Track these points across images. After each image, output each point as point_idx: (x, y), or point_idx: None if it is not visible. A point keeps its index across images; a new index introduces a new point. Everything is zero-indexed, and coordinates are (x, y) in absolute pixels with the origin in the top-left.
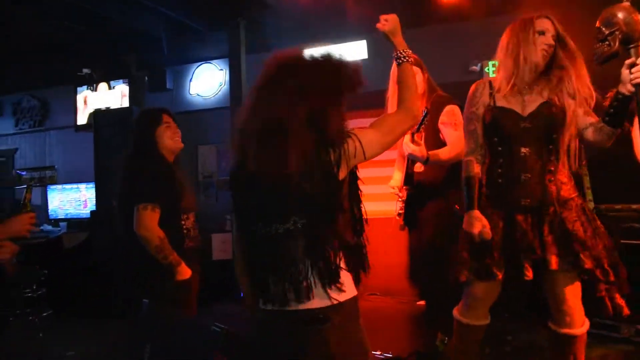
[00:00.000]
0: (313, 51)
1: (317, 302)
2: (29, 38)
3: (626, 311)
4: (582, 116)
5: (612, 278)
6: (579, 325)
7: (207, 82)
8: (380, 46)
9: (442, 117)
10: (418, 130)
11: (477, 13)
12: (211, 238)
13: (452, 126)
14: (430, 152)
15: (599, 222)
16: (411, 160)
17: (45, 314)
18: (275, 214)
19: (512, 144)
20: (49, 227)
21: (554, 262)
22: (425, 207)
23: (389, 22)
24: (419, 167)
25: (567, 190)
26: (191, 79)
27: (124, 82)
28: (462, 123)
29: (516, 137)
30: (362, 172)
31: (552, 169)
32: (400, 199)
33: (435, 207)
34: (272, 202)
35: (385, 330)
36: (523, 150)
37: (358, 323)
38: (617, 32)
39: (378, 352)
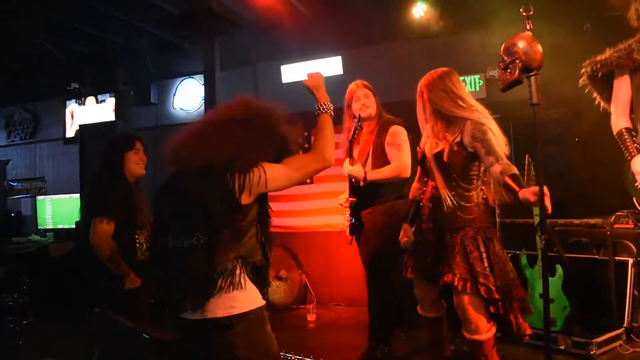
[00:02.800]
0: (265, 108)
1: (222, 311)
2: (21, 53)
3: (528, 331)
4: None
5: (496, 296)
6: (484, 331)
7: (190, 96)
8: (354, 62)
9: (388, 137)
10: (353, 137)
11: (447, 30)
12: None
13: (395, 146)
14: (368, 172)
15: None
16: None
17: (26, 322)
18: (182, 228)
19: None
20: (37, 238)
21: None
22: (368, 220)
23: (313, 78)
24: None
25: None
26: (175, 93)
27: (110, 96)
28: (406, 143)
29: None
30: (322, 187)
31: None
32: (347, 213)
33: (375, 221)
34: (181, 217)
35: (336, 339)
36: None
37: (265, 330)
38: (517, 61)
39: None
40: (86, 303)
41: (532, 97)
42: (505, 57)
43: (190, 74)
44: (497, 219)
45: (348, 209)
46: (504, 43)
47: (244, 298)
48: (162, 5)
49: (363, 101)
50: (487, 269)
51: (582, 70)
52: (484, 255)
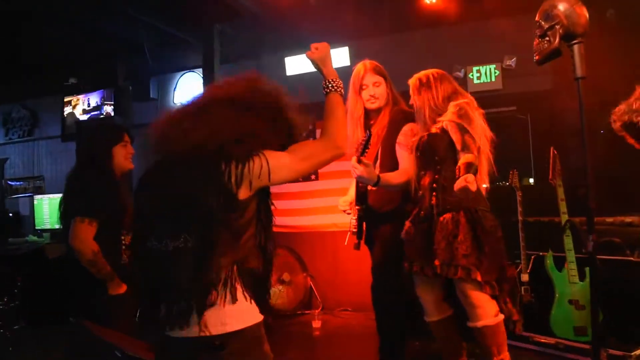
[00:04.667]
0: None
1: (213, 328)
2: (19, 49)
3: (515, 317)
4: None
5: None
6: (490, 314)
7: (191, 91)
8: (362, 53)
9: (399, 137)
10: (362, 154)
11: (460, 17)
12: None
13: (407, 148)
14: (381, 175)
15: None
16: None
17: (17, 327)
18: (166, 228)
19: None
20: (34, 238)
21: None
22: (377, 228)
23: (319, 50)
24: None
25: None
26: (175, 88)
27: (109, 92)
28: None
29: None
30: (328, 183)
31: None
32: (353, 217)
33: (385, 229)
34: (164, 215)
35: (344, 349)
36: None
37: (262, 350)
38: (557, 27)
39: None
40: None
41: (576, 69)
42: (543, 23)
43: (190, 68)
44: (520, 217)
45: (354, 215)
46: (541, 6)
47: (239, 313)
48: None
49: (372, 91)
50: (469, 249)
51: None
52: (468, 235)
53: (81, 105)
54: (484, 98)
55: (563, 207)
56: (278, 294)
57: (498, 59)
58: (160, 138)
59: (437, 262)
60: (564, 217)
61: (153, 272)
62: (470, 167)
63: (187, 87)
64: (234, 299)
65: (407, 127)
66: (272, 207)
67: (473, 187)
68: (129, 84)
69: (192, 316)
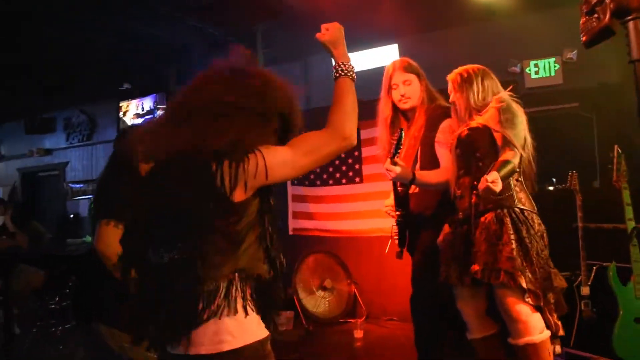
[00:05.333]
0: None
1: (208, 347)
2: (76, 55)
3: (561, 332)
4: None
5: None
6: (535, 331)
7: None
8: (413, 50)
9: (438, 135)
10: (395, 154)
11: (515, 9)
12: None
13: (447, 146)
14: (417, 173)
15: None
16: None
17: (68, 326)
18: (161, 239)
19: None
20: (90, 239)
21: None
22: (418, 234)
23: (329, 31)
24: (413, 188)
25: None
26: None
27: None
28: None
29: None
30: (372, 186)
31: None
32: (394, 223)
33: (426, 236)
34: (159, 225)
35: None
36: None
37: None
38: (607, 0)
39: None
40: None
41: (632, 51)
42: None
43: None
44: (580, 224)
45: (394, 222)
46: None
47: (240, 328)
48: None
49: (403, 90)
50: (514, 252)
51: None
52: (512, 237)
53: (135, 110)
54: (543, 94)
55: (629, 212)
56: (320, 301)
57: (558, 51)
58: (149, 147)
59: (476, 267)
60: (631, 224)
61: (150, 286)
62: (506, 166)
63: None
64: (234, 312)
65: (445, 124)
66: (272, 205)
67: (497, 187)
68: (180, 88)
69: (186, 332)
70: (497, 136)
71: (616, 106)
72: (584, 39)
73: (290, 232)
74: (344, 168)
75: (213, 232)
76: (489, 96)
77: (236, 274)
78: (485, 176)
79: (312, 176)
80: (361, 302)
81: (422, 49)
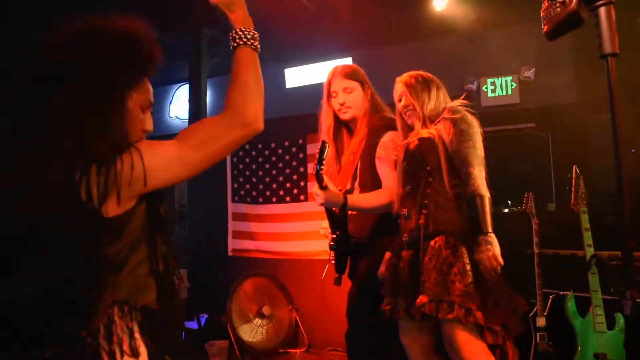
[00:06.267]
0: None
1: None
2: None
3: None
4: None
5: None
6: None
7: (187, 104)
8: (368, 64)
9: (378, 150)
10: (318, 171)
11: (472, 26)
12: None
13: (388, 162)
14: (350, 197)
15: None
16: None
17: None
18: (23, 266)
19: None
20: None
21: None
22: (357, 261)
23: None
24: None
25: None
26: (171, 101)
27: None
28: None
29: None
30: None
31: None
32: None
33: (363, 262)
34: (20, 250)
35: None
36: None
37: None
38: None
39: None
40: None
41: (604, 44)
42: None
43: (187, 79)
44: (536, 250)
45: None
46: None
47: None
48: None
49: (342, 99)
50: (470, 282)
51: None
52: (467, 264)
53: None
54: (499, 113)
55: (588, 238)
56: (257, 330)
57: (515, 70)
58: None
59: (424, 299)
60: (590, 251)
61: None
62: (484, 207)
63: (184, 100)
64: (119, 354)
65: (386, 137)
66: (162, 211)
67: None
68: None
69: None
70: (455, 151)
71: (572, 127)
72: (545, 28)
73: (230, 253)
74: (288, 185)
75: (80, 256)
76: (441, 106)
77: (115, 308)
78: (486, 255)
79: (254, 193)
80: (303, 331)
81: (376, 63)
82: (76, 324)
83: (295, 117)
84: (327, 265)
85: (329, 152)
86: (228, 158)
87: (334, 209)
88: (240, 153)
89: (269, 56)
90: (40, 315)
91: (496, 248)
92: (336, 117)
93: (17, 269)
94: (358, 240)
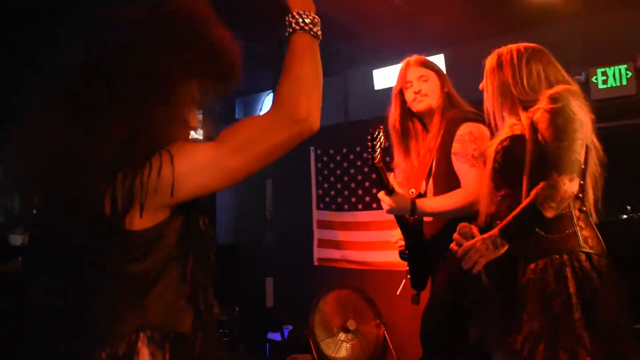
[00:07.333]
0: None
1: None
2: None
3: None
4: None
5: None
6: None
7: None
8: (460, 60)
9: (454, 144)
10: (374, 163)
11: (579, 12)
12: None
13: (466, 159)
14: (418, 201)
15: None
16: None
17: None
18: (48, 281)
19: None
20: None
21: None
22: (437, 269)
23: None
24: (428, 217)
25: None
26: (261, 108)
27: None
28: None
29: None
30: None
31: None
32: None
33: (440, 278)
34: (45, 264)
35: None
36: None
37: None
38: None
39: None
40: None
41: None
42: None
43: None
44: None
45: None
46: None
47: None
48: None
49: (417, 87)
50: (581, 321)
51: None
52: (575, 298)
53: None
54: (612, 107)
55: None
56: (341, 345)
57: (630, 57)
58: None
59: (519, 337)
60: None
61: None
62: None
63: None
64: None
65: (463, 130)
66: (204, 224)
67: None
68: (216, 104)
69: None
70: (543, 150)
71: None
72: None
73: (316, 263)
74: (374, 191)
75: (101, 274)
76: (539, 86)
77: (140, 334)
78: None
79: (339, 199)
80: (391, 347)
81: (470, 60)
82: (89, 345)
83: (382, 119)
84: (404, 280)
85: (383, 142)
86: (312, 163)
87: (400, 223)
88: (325, 158)
89: (356, 57)
90: (58, 330)
91: None
92: (407, 112)
93: (52, 282)
94: (434, 250)
